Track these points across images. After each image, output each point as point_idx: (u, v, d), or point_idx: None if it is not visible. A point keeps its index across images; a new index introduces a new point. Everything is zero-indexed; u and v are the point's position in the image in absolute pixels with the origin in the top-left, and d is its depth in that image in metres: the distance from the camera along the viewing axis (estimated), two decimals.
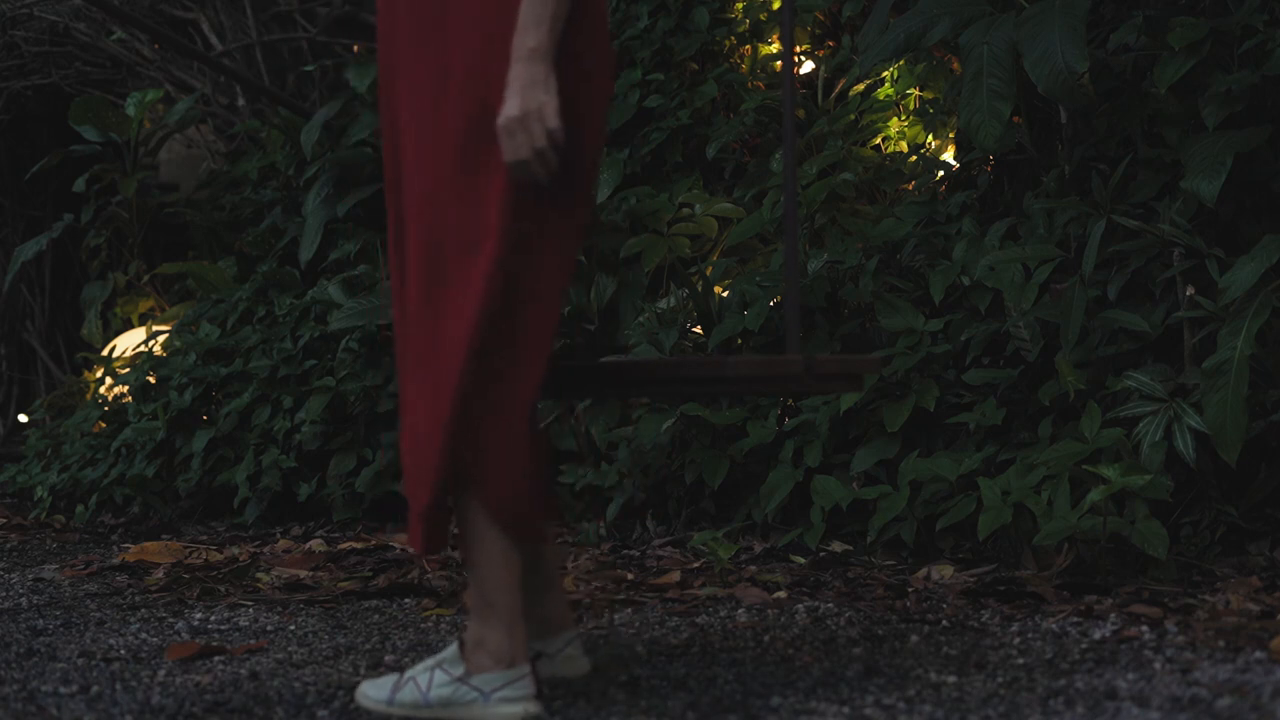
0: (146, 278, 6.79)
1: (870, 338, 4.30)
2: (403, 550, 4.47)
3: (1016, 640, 2.99)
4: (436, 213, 2.50)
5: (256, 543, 4.91)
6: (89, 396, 6.50)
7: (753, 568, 3.92)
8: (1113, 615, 3.13)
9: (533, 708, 2.52)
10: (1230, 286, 3.49)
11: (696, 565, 4.01)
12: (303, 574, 4.17)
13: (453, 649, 2.57)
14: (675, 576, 3.83)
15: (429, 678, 2.54)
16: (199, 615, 3.66)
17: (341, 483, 5.20)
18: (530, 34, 2.41)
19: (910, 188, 4.78)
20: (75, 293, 7.62)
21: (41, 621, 3.65)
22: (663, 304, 4.72)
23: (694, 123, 5.35)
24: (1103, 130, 4.05)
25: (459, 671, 2.53)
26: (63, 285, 7.78)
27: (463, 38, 2.50)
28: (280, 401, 5.42)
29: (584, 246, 4.90)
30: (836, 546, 4.06)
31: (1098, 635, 2.99)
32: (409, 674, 2.58)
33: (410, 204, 2.55)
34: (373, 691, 2.60)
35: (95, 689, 2.87)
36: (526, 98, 2.40)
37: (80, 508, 5.74)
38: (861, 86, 4.99)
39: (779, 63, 5.07)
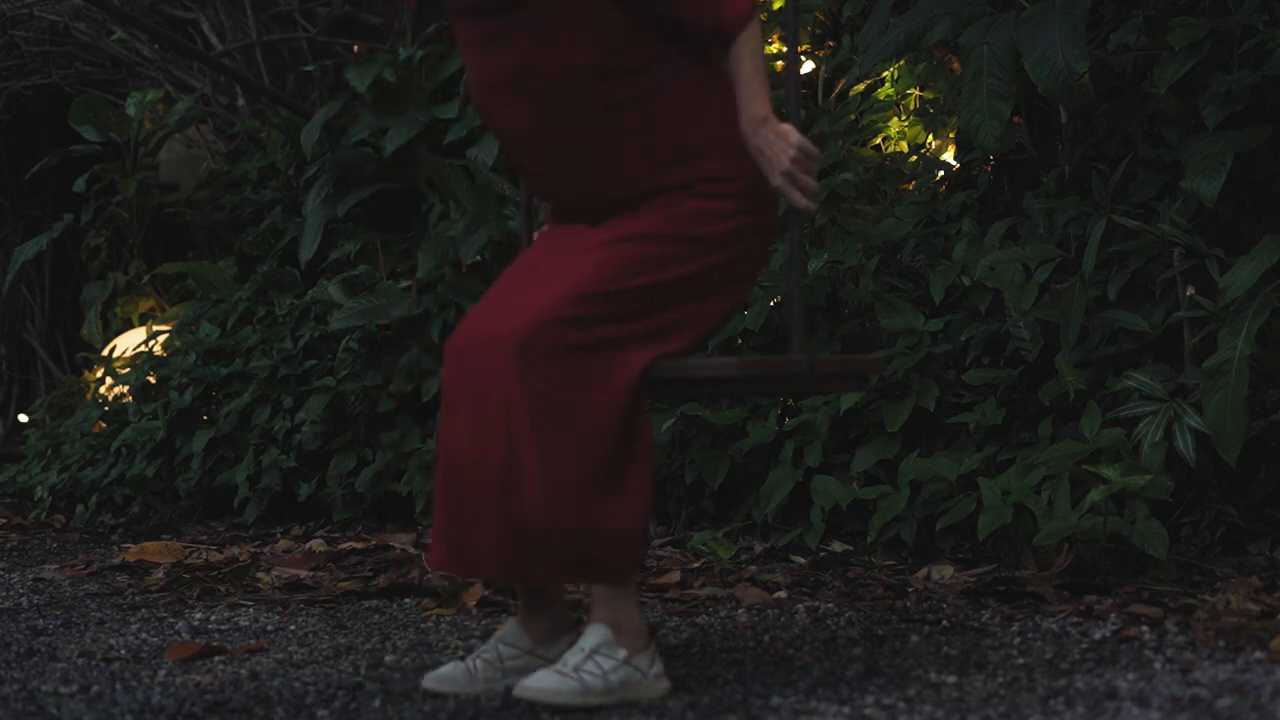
0: (146, 278, 6.79)
1: (870, 338, 4.30)
2: (403, 550, 4.47)
3: (1016, 640, 2.99)
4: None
5: (256, 543, 4.91)
6: (89, 396, 6.50)
7: (753, 568, 3.93)
8: (1113, 615, 3.13)
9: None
10: (1230, 286, 3.49)
11: (696, 565, 4.01)
12: (303, 574, 4.17)
13: (600, 634, 2.62)
14: (675, 576, 3.83)
15: (598, 664, 2.59)
16: (199, 615, 3.66)
17: (341, 483, 5.20)
18: (759, 105, 2.68)
19: (910, 188, 4.77)
20: (75, 293, 7.61)
21: (41, 621, 3.65)
22: None
23: None
24: (1103, 130, 4.05)
25: (622, 655, 2.61)
26: (63, 285, 7.78)
27: None
28: (280, 401, 5.42)
29: None
30: (836, 546, 4.06)
31: (1098, 635, 2.99)
32: (569, 665, 2.59)
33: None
34: (548, 683, 2.57)
35: (95, 689, 2.87)
36: (773, 137, 2.68)
37: (80, 508, 5.74)
38: (862, 86, 4.99)
39: (780, 63, 5.07)
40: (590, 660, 2.60)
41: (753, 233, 2.74)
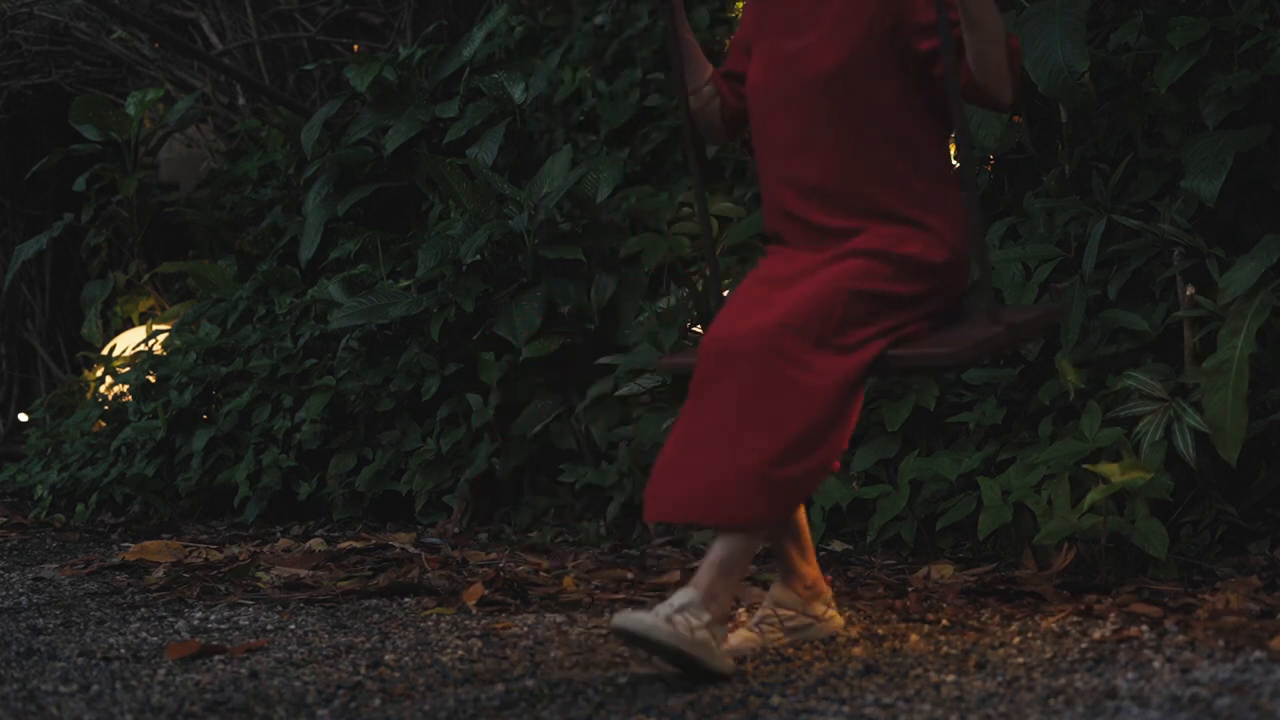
0: (147, 277, 6.79)
1: None
2: (402, 549, 4.47)
3: (1016, 640, 2.99)
4: None
5: (256, 542, 4.91)
6: (89, 396, 6.50)
7: (753, 567, 3.92)
8: (1113, 615, 3.13)
9: None
10: (1230, 286, 3.49)
11: (696, 564, 4.01)
12: (303, 573, 4.17)
13: (689, 595, 2.80)
14: (675, 576, 3.83)
15: (686, 619, 2.77)
16: (199, 614, 3.66)
17: (341, 482, 5.21)
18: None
19: None
20: (75, 292, 7.62)
21: (41, 620, 3.65)
22: (663, 303, 4.72)
23: None
24: (1103, 130, 4.05)
25: (706, 619, 2.79)
26: (63, 284, 7.78)
27: None
28: (280, 400, 5.42)
29: (584, 246, 4.90)
30: (837, 546, 4.06)
31: (1098, 635, 2.99)
32: (662, 612, 2.76)
33: None
34: (634, 620, 2.75)
35: (95, 688, 2.87)
36: None
37: (80, 507, 5.75)
38: None
39: None
40: (680, 614, 2.76)
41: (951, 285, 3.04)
